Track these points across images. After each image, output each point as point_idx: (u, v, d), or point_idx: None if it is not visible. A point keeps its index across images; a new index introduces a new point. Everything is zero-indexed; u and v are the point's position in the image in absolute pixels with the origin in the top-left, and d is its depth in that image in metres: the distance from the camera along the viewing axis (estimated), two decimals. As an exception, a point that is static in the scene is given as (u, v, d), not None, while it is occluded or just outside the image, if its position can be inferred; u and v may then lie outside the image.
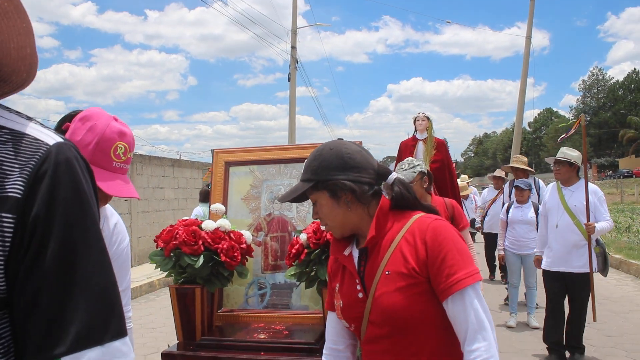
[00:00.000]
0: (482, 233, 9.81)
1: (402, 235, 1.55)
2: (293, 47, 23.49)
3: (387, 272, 1.53)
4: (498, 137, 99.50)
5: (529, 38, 23.52)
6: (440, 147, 6.17)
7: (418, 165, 3.90)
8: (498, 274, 9.80)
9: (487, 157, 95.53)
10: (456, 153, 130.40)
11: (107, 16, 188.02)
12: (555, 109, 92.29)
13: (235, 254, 2.58)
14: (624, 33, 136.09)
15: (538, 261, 5.90)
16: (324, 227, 1.76)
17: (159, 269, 2.63)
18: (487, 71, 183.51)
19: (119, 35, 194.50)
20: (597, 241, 4.93)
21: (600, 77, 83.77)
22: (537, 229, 6.47)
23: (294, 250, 2.46)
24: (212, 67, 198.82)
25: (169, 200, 13.67)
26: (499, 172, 9.71)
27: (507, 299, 7.44)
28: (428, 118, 6.34)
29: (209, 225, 2.61)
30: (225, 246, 2.55)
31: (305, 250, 2.41)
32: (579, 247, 4.88)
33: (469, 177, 15.21)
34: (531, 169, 7.92)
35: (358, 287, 1.60)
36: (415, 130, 6.38)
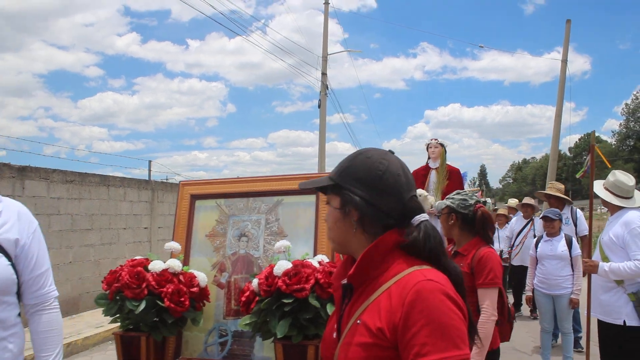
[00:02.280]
0: (510, 265, 9.32)
1: (389, 285, 1.30)
2: (324, 74, 23.39)
3: (358, 321, 1.30)
4: (537, 163, 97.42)
5: (564, 61, 22.90)
6: (453, 175, 5.76)
7: (462, 199, 3.30)
8: (527, 308, 9.23)
9: (526, 184, 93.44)
10: (494, 179, 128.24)
11: (150, 46, 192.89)
12: (597, 134, 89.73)
13: (182, 299, 2.29)
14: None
15: (573, 303, 5.33)
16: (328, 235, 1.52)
17: (104, 313, 2.38)
18: (526, 96, 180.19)
19: (161, 64, 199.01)
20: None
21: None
22: (571, 264, 5.74)
23: (243, 298, 2.16)
24: (250, 94, 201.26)
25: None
26: (528, 200, 9.21)
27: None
28: (442, 145, 5.96)
29: (156, 266, 2.34)
30: (170, 290, 2.27)
31: (257, 298, 2.11)
32: (606, 289, 4.07)
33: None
34: (567, 198, 7.27)
35: (335, 326, 1.42)
36: (429, 158, 6.01)
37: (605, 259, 4.15)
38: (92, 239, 9.98)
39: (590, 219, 4.59)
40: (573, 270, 5.74)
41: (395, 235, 1.36)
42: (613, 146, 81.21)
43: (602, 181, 4.41)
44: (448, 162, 6.13)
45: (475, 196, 3.39)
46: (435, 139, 6.03)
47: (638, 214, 4.12)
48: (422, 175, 5.96)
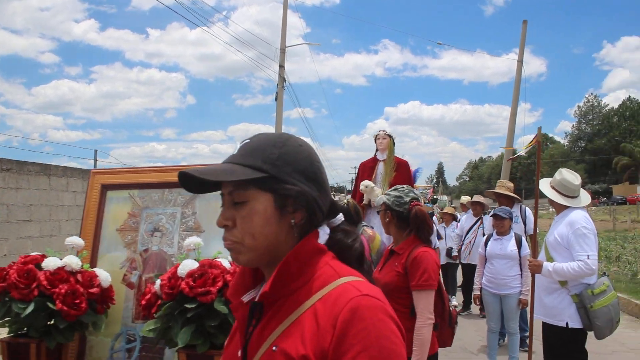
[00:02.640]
0: (460, 263, 9.29)
1: (314, 302, 1.04)
2: (281, 66, 23.09)
3: (274, 348, 1.03)
4: (493, 162, 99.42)
5: (520, 61, 23.26)
6: (401, 167, 5.59)
7: (401, 194, 3.11)
8: (476, 306, 9.21)
9: (482, 182, 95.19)
10: (451, 177, 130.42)
11: (108, 33, 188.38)
12: (550, 135, 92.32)
13: (78, 301, 2.03)
14: (619, 61, 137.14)
15: (522, 304, 5.26)
16: (229, 241, 1.10)
17: (-9, 317, 2.10)
18: (484, 96, 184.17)
19: (120, 53, 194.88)
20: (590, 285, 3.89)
21: (596, 103, 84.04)
22: (519, 264, 5.64)
23: (143, 301, 1.92)
24: (210, 86, 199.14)
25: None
26: (478, 198, 9.19)
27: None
28: (390, 136, 5.78)
29: (50, 263, 2.07)
30: (63, 291, 2.01)
31: (159, 302, 1.87)
32: (550, 291, 3.99)
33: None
34: (517, 196, 7.17)
35: (239, 354, 1.11)
36: (377, 150, 5.83)
37: (551, 259, 4.07)
38: (31, 231, 9.50)
39: (535, 217, 4.51)
40: (522, 270, 5.63)
41: (314, 239, 1.12)
42: (565, 147, 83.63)
43: (549, 179, 4.33)
44: (407, 156, 6.03)
45: (414, 193, 3.20)
46: (384, 131, 5.84)
47: (583, 213, 4.04)
48: (369, 167, 5.79)
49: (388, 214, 3.15)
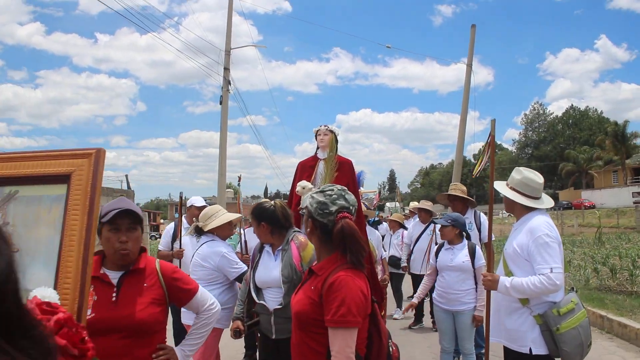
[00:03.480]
0: (409, 274, 8.68)
1: None
2: (226, 69, 22.22)
3: None
4: (444, 169, 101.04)
5: (469, 66, 23.18)
6: (344, 167, 4.82)
7: (331, 195, 2.42)
8: (429, 319, 8.58)
9: (433, 188, 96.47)
10: (403, 184, 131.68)
11: (55, 37, 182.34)
12: (499, 142, 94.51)
13: None
14: (561, 72, 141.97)
15: (476, 321, 4.67)
16: None
17: None
18: (434, 104, 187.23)
19: (67, 58, 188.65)
20: (554, 305, 3.33)
21: (541, 112, 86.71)
22: (474, 276, 4.96)
23: None
24: (161, 93, 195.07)
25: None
26: (424, 203, 8.59)
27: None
28: (333, 132, 5.00)
29: None
30: None
31: None
32: (511, 311, 3.40)
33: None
34: (472, 200, 6.55)
35: None
36: (318, 148, 5.06)
37: (510, 273, 3.43)
38: None
39: (490, 221, 3.89)
40: (476, 284, 4.95)
41: None
42: (513, 154, 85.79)
43: (504, 182, 3.72)
44: (354, 160, 5.25)
45: (345, 200, 2.43)
46: (325, 125, 5.03)
47: (545, 219, 3.42)
48: (309, 167, 4.98)
49: (310, 222, 2.41)
